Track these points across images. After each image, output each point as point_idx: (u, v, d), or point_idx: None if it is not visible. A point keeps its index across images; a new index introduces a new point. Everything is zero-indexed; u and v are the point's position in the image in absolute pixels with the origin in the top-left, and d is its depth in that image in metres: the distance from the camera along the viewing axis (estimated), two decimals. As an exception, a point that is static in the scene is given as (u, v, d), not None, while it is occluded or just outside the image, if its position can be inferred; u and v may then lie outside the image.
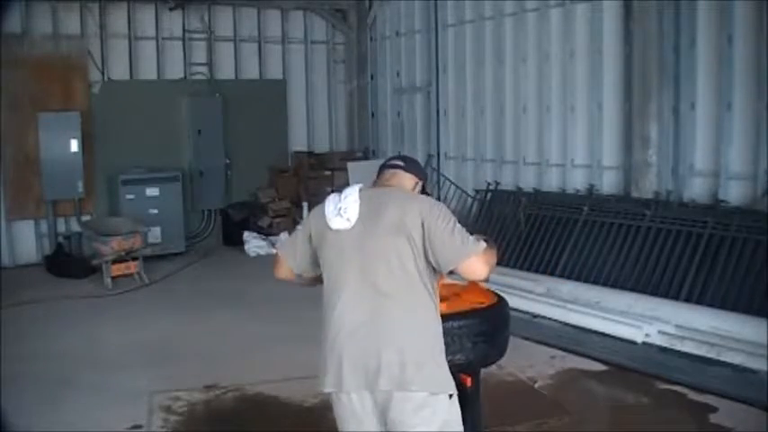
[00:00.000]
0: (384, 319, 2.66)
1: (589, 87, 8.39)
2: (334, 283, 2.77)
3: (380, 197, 2.80)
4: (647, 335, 6.18)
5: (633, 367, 5.74)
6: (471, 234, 2.74)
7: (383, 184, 2.95)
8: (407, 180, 2.97)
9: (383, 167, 3.04)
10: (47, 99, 9.76)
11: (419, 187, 2.99)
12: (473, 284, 3.31)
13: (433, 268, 2.73)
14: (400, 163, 3.02)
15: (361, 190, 2.81)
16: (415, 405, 2.60)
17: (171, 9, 10.74)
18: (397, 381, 2.59)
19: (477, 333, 3.06)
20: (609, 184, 8.24)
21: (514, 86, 9.42)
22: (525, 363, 5.76)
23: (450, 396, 2.67)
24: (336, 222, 2.75)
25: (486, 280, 2.87)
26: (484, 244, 2.74)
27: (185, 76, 11.05)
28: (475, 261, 2.70)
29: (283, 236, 10.84)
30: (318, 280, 2.94)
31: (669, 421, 4.88)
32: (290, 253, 2.97)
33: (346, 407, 2.72)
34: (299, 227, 3.02)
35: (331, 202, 2.80)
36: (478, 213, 9.49)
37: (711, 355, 5.76)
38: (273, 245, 10.62)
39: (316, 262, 2.90)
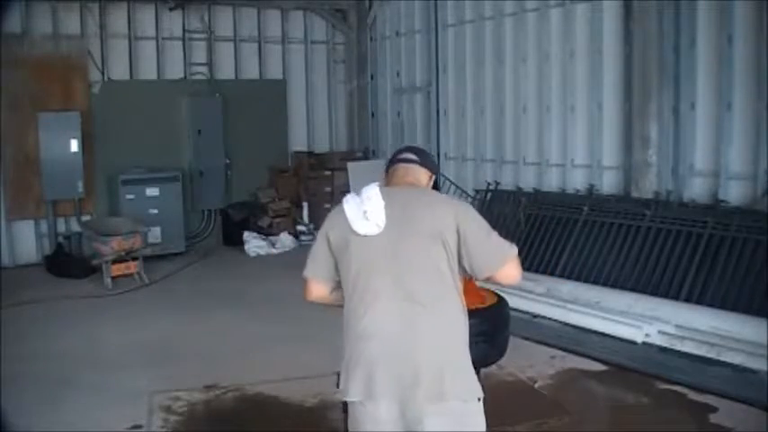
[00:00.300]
0: (420, 328, 2.54)
1: (589, 87, 8.39)
2: (363, 291, 2.61)
3: (407, 199, 2.67)
4: (647, 335, 6.18)
5: (633, 367, 5.74)
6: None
7: (400, 182, 2.82)
8: (423, 175, 2.86)
9: (395, 161, 2.90)
10: (47, 99, 9.76)
11: (432, 181, 2.90)
12: (472, 284, 3.30)
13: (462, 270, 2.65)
14: (414, 157, 2.88)
15: (381, 191, 2.65)
16: (452, 415, 2.52)
17: (171, 9, 10.74)
18: (435, 392, 2.50)
19: (477, 333, 3.06)
20: (609, 184, 8.24)
21: (514, 86, 9.42)
22: (525, 363, 5.76)
23: (479, 399, 2.60)
24: (363, 227, 2.59)
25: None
26: (515, 247, 2.67)
27: (185, 76, 11.05)
28: (511, 266, 2.65)
29: (283, 236, 10.87)
30: None
31: (669, 421, 4.88)
32: (316, 270, 2.77)
33: (370, 415, 2.58)
34: (315, 241, 2.80)
35: (351, 205, 2.64)
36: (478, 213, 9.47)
37: (711, 355, 5.76)
38: (273, 245, 10.65)
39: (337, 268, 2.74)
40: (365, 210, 2.59)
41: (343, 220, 2.64)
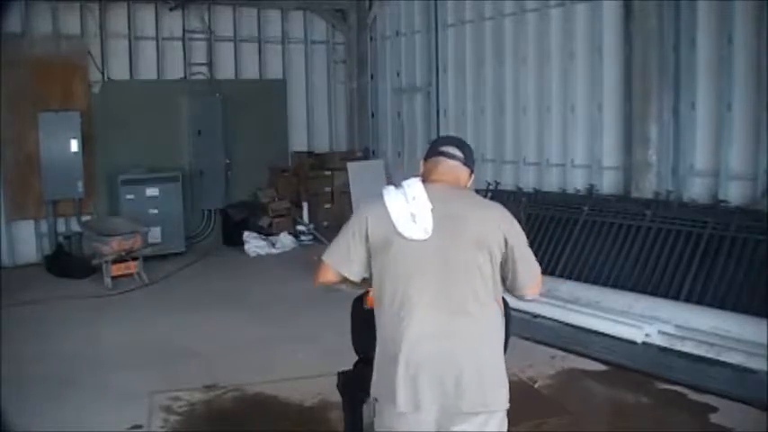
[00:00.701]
0: (464, 337, 2.50)
1: (589, 87, 8.39)
2: (403, 296, 2.52)
3: (453, 202, 2.58)
4: (647, 335, 6.18)
5: (633, 367, 5.74)
6: None
7: (441, 179, 2.68)
8: (464, 174, 2.74)
9: (438, 153, 2.74)
10: (47, 99, 9.75)
11: (472, 180, 2.78)
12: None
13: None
14: (459, 153, 2.73)
15: (425, 187, 2.56)
16: (482, 423, 2.51)
17: (171, 9, 10.74)
18: (475, 402, 2.49)
19: (477, 333, 3.05)
20: (609, 184, 8.24)
21: (514, 86, 9.42)
22: (525, 363, 5.76)
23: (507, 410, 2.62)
24: (410, 230, 2.49)
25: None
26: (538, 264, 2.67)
27: (185, 76, 11.05)
28: (539, 284, 2.67)
29: (283, 236, 10.86)
30: (364, 283, 2.73)
31: (669, 421, 4.89)
32: (342, 261, 2.66)
33: (408, 423, 2.53)
34: (346, 230, 2.68)
35: (396, 203, 2.53)
36: (478, 213, 9.47)
37: (711, 355, 5.76)
38: (273, 245, 10.65)
39: (368, 264, 2.64)
40: (412, 212, 2.50)
41: (386, 218, 2.53)
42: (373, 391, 2.64)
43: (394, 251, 2.54)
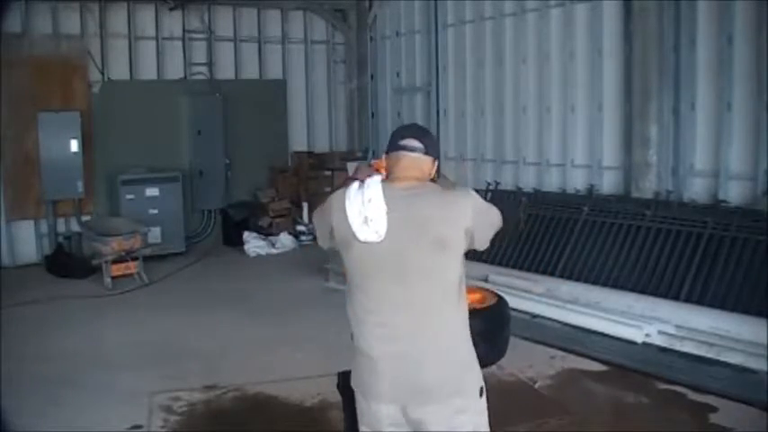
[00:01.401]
0: (427, 333, 2.56)
1: (589, 87, 8.39)
2: (362, 295, 2.61)
3: (415, 203, 2.54)
4: (647, 335, 6.18)
5: (633, 367, 5.74)
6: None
7: (404, 176, 2.62)
8: (427, 165, 2.67)
9: (397, 147, 2.66)
10: (47, 99, 9.75)
11: (435, 167, 2.72)
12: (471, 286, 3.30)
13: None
14: (419, 145, 2.65)
15: (384, 188, 2.54)
16: (453, 412, 2.55)
17: (171, 9, 10.74)
18: (439, 395, 2.54)
19: (477, 333, 3.05)
20: (609, 184, 8.24)
21: (514, 86, 9.42)
22: (525, 363, 5.76)
23: (481, 395, 2.63)
24: (364, 233, 2.52)
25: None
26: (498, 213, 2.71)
27: (185, 76, 11.05)
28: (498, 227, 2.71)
29: (283, 236, 10.87)
30: None
31: (669, 421, 4.89)
32: (324, 242, 2.76)
33: (374, 415, 2.64)
34: (321, 210, 2.74)
35: (353, 204, 2.54)
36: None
37: (711, 355, 5.76)
38: (273, 245, 10.65)
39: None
40: (366, 215, 2.51)
41: (345, 219, 2.55)
42: (352, 377, 2.74)
43: (354, 252, 2.58)
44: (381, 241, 2.51)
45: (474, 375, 2.64)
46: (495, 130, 9.75)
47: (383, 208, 2.51)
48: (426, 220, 2.53)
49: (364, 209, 2.51)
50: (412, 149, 2.65)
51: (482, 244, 2.64)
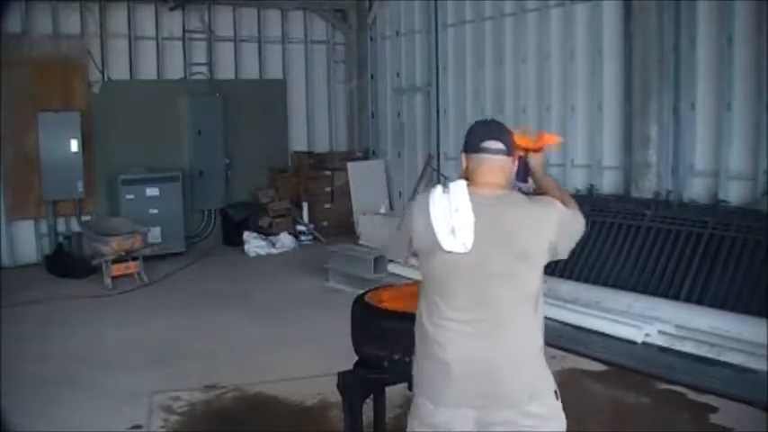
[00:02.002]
0: (503, 340, 2.52)
1: (589, 87, 8.39)
2: (447, 300, 2.54)
3: (500, 214, 2.51)
4: (647, 335, 6.18)
5: (633, 367, 5.73)
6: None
7: (488, 182, 2.55)
8: (509, 165, 2.59)
9: (481, 149, 2.56)
10: (47, 99, 9.75)
11: (515, 165, 2.65)
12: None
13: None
14: (503, 147, 2.55)
15: (470, 195, 2.48)
16: (529, 417, 2.54)
17: (171, 9, 10.73)
18: (515, 400, 2.51)
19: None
20: (609, 184, 8.24)
21: (514, 86, 9.42)
22: (525, 363, 5.75)
23: (557, 398, 2.64)
24: (449, 243, 2.47)
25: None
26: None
27: (185, 76, 11.05)
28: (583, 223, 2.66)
29: (283, 236, 10.86)
30: None
31: (669, 421, 4.88)
32: (393, 255, 2.78)
33: (443, 420, 2.55)
34: (399, 223, 2.69)
35: (439, 212, 2.49)
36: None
37: (711, 355, 5.76)
38: (273, 245, 10.65)
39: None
40: (453, 225, 2.46)
41: (429, 226, 2.50)
42: (414, 384, 2.67)
43: (436, 260, 2.53)
44: (467, 252, 2.47)
45: (548, 380, 2.63)
46: (495, 130, 9.73)
47: (471, 218, 2.46)
48: (512, 232, 2.49)
49: (451, 218, 2.47)
50: (495, 152, 2.56)
51: (564, 254, 2.60)
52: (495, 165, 2.55)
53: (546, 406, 2.60)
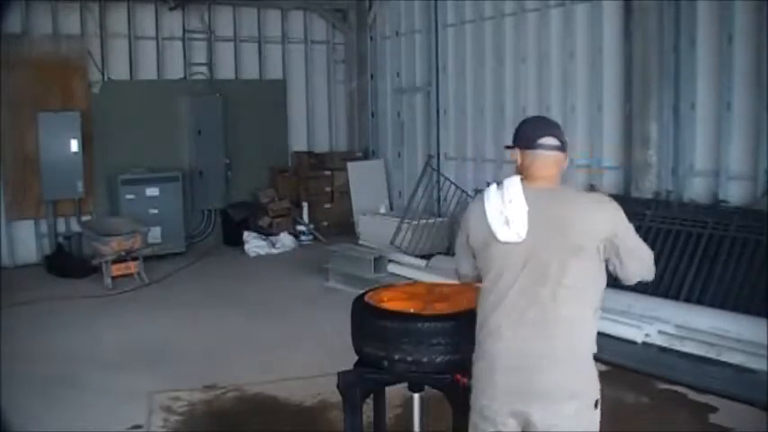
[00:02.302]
0: (552, 335, 2.57)
1: (589, 87, 8.39)
2: (496, 295, 2.61)
3: (555, 206, 2.57)
4: (647, 335, 6.18)
5: (633, 367, 5.73)
6: None
7: (542, 175, 2.61)
8: (563, 161, 2.66)
9: (536, 146, 2.61)
10: (47, 99, 9.75)
11: (564, 159, 2.68)
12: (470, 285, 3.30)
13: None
14: (557, 143, 2.63)
15: (524, 189, 2.56)
16: (565, 416, 2.58)
17: (171, 9, 10.73)
18: (554, 397, 2.56)
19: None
20: (609, 184, 8.23)
21: (514, 86, 9.42)
22: (525, 363, 5.75)
23: (596, 405, 2.69)
24: (504, 234, 2.55)
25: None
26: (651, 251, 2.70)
27: (185, 76, 11.05)
28: (651, 268, 2.71)
29: (283, 236, 10.87)
30: None
31: (669, 421, 4.88)
32: (460, 267, 2.86)
33: (487, 413, 2.62)
34: (458, 235, 2.82)
35: (493, 205, 2.57)
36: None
37: (711, 355, 5.76)
38: (273, 245, 10.65)
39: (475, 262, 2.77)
40: (507, 216, 2.54)
41: (483, 220, 2.59)
42: (472, 379, 2.73)
43: (491, 251, 2.61)
44: (521, 242, 2.54)
45: (592, 386, 2.68)
46: (495, 130, 9.75)
47: (524, 208, 2.53)
48: (566, 224, 2.54)
49: (505, 209, 2.55)
50: (551, 148, 2.63)
51: (627, 271, 2.65)
52: (550, 160, 2.62)
53: (582, 411, 2.63)
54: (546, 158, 2.62)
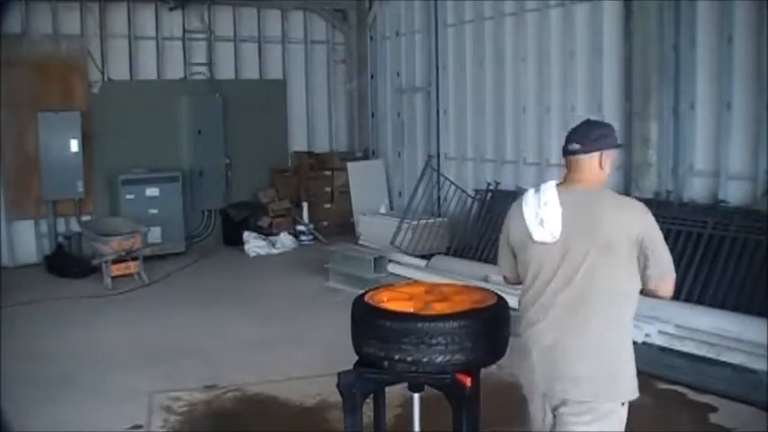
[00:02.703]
0: (582, 331, 2.74)
1: (589, 87, 8.38)
2: (533, 293, 2.83)
3: (585, 206, 2.75)
4: (647, 335, 6.17)
5: (633, 367, 5.72)
6: None
7: (573, 178, 2.84)
8: (592, 163, 2.83)
9: (564, 152, 2.88)
10: (47, 99, 9.75)
11: (606, 157, 2.84)
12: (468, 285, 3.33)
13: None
14: (577, 147, 2.83)
15: (558, 191, 2.78)
16: (594, 414, 2.74)
17: (171, 9, 10.74)
18: (582, 391, 2.73)
19: (477, 333, 3.06)
20: (608, 184, 8.19)
21: (514, 86, 9.42)
22: (525, 363, 5.75)
23: (623, 404, 2.85)
24: (539, 234, 2.75)
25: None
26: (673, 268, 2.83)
27: (185, 76, 11.05)
28: (671, 280, 2.88)
29: (283, 236, 10.87)
30: None
31: (669, 421, 4.88)
32: (503, 268, 3.07)
33: (530, 407, 2.90)
34: (501, 237, 3.03)
35: (530, 208, 2.78)
36: (478, 213, 9.49)
37: (711, 355, 5.76)
38: (273, 245, 10.65)
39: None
40: (542, 217, 2.74)
41: (521, 222, 2.80)
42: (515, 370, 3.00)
43: (528, 252, 2.82)
44: (555, 242, 2.74)
45: (622, 384, 2.84)
46: (495, 130, 9.75)
47: (558, 210, 2.73)
48: (597, 224, 2.71)
49: (540, 211, 2.75)
50: (572, 153, 2.86)
51: (648, 275, 2.80)
52: (578, 164, 2.84)
53: (605, 407, 2.77)
54: (574, 163, 2.84)
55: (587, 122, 2.98)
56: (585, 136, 2.85)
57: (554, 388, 2.75)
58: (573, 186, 2.82)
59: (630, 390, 2.87)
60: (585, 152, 2.82)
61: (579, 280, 2.71)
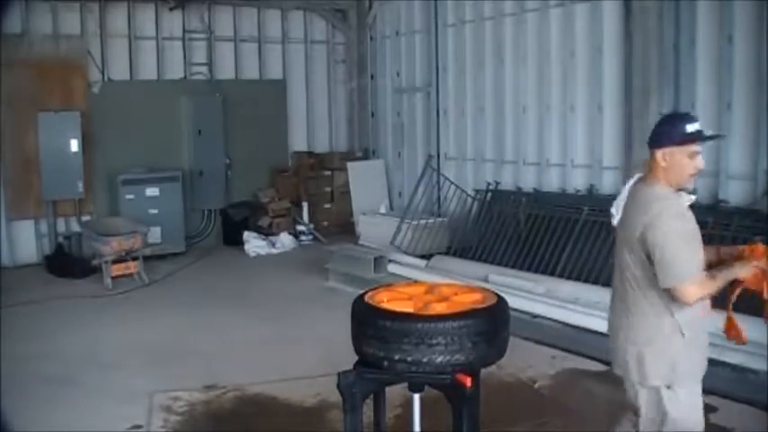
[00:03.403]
0: (621, 323, 3.19)
1: (589, 87, 8.39)
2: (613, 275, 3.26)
3: (631, 199, 3.06)
4: (647, 335, 6.17)
5: (633, 367, 5.72)
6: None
7: (645, 173, 3.10)
8: (656, 157, 3.01)
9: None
10: (47, 99, 9.75)
11: (663, 155, 2.98)
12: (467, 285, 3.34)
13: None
14: (648, 141, 3.07)
15: (633, 183, 3.09)
16: (647, 396, 3.19)
17: (171, 9, 10.74)
18: (625, 372, 3.22)
19: (477, 333, 3.06)
20: (609, 184, 8.24)
21: (514, 86, 9.42)
22: (525, 363, 5.76)
23: (668, 387, 3.22)
24: (614, 221, 3.16)
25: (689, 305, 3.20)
26: (694, 275, 3.01)
27: (185, 76, 11.05)
28: (682, 288, 3.00)
29: (283, 236, 10.87)
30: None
31: (669, 421, 4.87)
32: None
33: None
34: None
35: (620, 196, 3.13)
36: (478, 213, 9.49)
37: (712, 354, 5.74)
38: (273, 245, 10.66)
39: None
40: (612, 212, 3.16)
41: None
42: None
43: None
44: (616, 229, 3.13)
45: (652, 368, 3.13)
46: (495, 130, 9.75)
47: (623, 201, 3.08)
48: (626, 215, 3.05)
49: (618, 201, 3.13)
50: (649, 146, 3.09)
51: (663, 285, 2.99)
52: (647, 161, 3.11)
53: (646, 388, 3.15)
54: (649, 157, 3.07)
55: (662, 117, 3.27)
56: (652, 132, 3.05)
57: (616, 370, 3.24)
58: (641, 179, 3.08)
59: (660, 374, 3.22)
60: (650, 147, 3.02)
61: (619, 269, 3.10)
